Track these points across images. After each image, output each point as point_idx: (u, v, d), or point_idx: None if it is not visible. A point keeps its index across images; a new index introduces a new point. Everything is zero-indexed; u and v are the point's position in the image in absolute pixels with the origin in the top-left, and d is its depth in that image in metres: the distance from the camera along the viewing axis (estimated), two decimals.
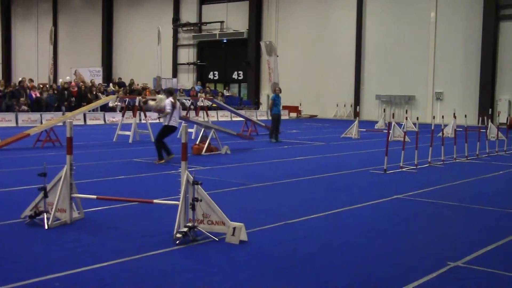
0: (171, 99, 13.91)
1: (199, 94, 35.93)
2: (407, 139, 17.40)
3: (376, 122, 31.22)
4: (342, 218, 8.49)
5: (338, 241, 7.14)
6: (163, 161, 13.98)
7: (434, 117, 16.76)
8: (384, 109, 33.67)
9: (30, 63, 55.21)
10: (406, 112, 30.41)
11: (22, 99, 29.14)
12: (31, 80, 33.61)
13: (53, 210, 7.50)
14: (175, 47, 48.53)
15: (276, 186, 11.25)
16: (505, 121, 29.88)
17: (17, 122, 27.39)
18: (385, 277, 5.78)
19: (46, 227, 7.35)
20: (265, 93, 42.47)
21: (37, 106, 29.87)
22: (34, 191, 7.91)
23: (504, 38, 34.37)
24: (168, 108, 13.82)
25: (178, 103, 14.24)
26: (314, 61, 41.35)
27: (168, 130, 14.09)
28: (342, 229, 7.77)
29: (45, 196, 7.61)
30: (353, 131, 23.30)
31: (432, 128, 15.22)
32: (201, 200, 6.98)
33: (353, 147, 19.81)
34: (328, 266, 6.10)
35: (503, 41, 34.41)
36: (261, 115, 36.74)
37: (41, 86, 33.81)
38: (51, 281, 5.43)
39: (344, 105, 40.47)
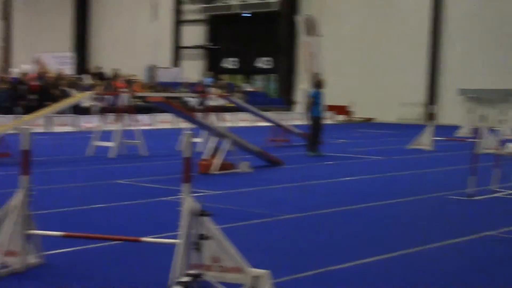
0: None
1: (210, 90, 36.11)
2: (503, 151, 17.22)
3: (459, 127, 30.99)
4: (408, 263, 8.41)
5: None
6: None
7: None
8: (470, 109, 33.44)
9: None
10: (502, 114, 30.17)
11: None
12: None
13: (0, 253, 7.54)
14: (177, 24, 48.93)
15: (315, 218, 11.20)
16: None
17: None
18: None
19: None
20: (302, 88, 42.49)
21: None
22: None
23: None
24: None
25: None
26: (371, 43, 41.28)
27: None
28: (408, 279, 7.69)
29: None
30: (425, 141, 23.16)
31: None
32: (209, 238, 6.97)
33: (426, 163, 19.66)
34: None
35: None
36: (296, 118, 36.74)
37: None
38: None
39: (413, 104, 40.27)
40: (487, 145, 21.45)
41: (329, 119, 36.45)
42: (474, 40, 38.05)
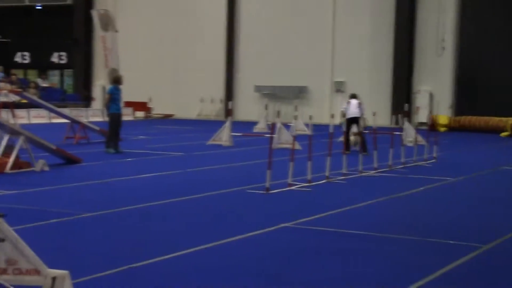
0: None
1: (0, 85, 34.90)
2: (297, 146, 17.86)
3: (256, 123, 31.79)
4: (206, 258, 8.55)
5: None
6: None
7: (333, 116, 17.33)
8: (266, 106, 34.39)
9: None
10: (296, 109, 31.24)
11: None
12: None
13: None
14: None
15: (115, 215, 11.15)
16: (425, 120, 31.34)
17: None
18: None
19: None
20: (100, 84, 42.01)
21: None
22: None
23: (424, 11, 36.24)
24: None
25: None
26: (169, 39, 41.46)
27: None
28: (206, 274, 7.82)
29: None
30: (224, 136, 23.57)
31: (331, 130, 15.71)
32: (3, 240, 6.77)
33: (224, 158, 20.04)
34: None
35: (422, 15, 36.28)
36: (94, 115, 36.24)
37: None
38: None
39: (212, 101, 40.88)
40: (282, 140, 22.19)
41: (128, 115, 36.29)
42: (268, 39, 39.13)
